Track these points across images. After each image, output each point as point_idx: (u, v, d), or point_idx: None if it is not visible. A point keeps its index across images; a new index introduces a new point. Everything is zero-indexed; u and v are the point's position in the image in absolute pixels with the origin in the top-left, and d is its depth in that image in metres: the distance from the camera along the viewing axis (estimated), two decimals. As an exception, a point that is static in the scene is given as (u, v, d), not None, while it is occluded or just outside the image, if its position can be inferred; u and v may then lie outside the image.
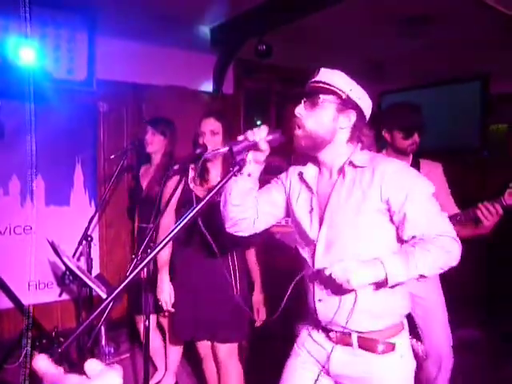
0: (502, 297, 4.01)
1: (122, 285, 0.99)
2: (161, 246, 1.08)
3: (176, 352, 2.91)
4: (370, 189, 1.36)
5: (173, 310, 2.42)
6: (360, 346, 1.42)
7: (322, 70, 1.43)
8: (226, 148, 1.39)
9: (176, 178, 2.37)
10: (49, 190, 3.46)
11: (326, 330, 1.48)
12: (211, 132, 2.31)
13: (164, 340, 2.96)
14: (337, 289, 1.35)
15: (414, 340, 1.55)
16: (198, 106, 3.95)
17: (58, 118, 3.21)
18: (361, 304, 1.37)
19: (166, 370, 2.97)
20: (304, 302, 1.56)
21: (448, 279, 2.51)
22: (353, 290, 1.33)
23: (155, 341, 2.89)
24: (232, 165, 1.28)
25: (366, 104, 1.45)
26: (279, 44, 3.70)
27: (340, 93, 1.38)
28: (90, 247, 2.88)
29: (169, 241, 1.10)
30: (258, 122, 4.96)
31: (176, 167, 2.31)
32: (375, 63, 4.58)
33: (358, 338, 1.42)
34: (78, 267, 2.27)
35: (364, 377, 1.43)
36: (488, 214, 2.09)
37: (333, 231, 1.42)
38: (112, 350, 3.47)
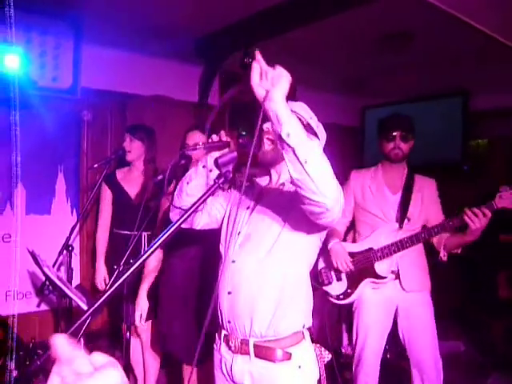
0: (480, 310, 4.08)
1: (104, 296, 0.98)
2: (142, 259, 1.08)
3: (154, 364, 2.87)
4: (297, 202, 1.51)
5: (141, 324, 2.46)
6: (256, 355, 1.49)
7: (289, 102, 1.61)
8: (212, 159, 1.51)
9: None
10: (30, 198, 3.41)
11: (227, 339, 1.57)
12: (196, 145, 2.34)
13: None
14: (246, 280, 1.49)
15: (323, 349, 1.58)
16: (182, 116, 3.96)
17: (41, 126, 3.18)
18: (263, 306, 1.47)
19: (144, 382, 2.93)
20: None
21: (432, 296, 2.56)
22: (259, 283, 1.46)
23: (136, 350, 2.85)
24: (217, 176, 1.29)
25: (322, 133, 1.67)
26: (264, 57, 3.73)
27: (302, 119, 1.59)
28: (70, 257, 2.84)
29: (150, 254, 1.11)
30: (243, 133, 4.97)
31: (160, 177, 2.31)
32: (357, 78, 4.65)
33: (255, 346, 1.49)
34: (59, 277, 2.24)
35: None
36: (475, 218, 2.13)
37: (254, 227, 1.56)
38: (91, 362, 3.40)
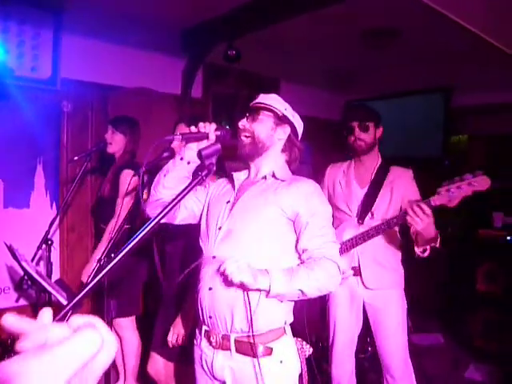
0: (459, 304, 4.15)
1: (84, 290, 0.95)
2: (122, 253, 1.06)
3: (134, 358, 2.84)
4: (282, 197, 1.54)
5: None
6: (237, 351, 1.49)
7: (262, 95, 1.69)
8: (190, 151, 1.53)
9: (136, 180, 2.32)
10: (8, 191, 3.32)
11: (208, 335, 1.55)
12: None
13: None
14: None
15: (304, 342, 1.58)
16: (165, 109, 3.91)
17: (19, 117, 3.10)
18: (243, 302, 1.46)
19: (125, 378, 2.90)
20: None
21: (412, 290, 2.57)
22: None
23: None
24: (200, 168, 1.27)
25: (298, 122, 1.69)
26: (248, 50, 3.71)
27: (276, 111, 1.62)
28: (49, 251, 2.78)
29: (131, 248, 1.08)
30: (226, 127, 4.94)
31: (142, 170, 2.26)
32: (343, 73, 4.66)
33: (236, 341, 1.49)
34: (37, 272, 2.19)
35: (243, 381, 1.49)
36: (415, 216, 1.99)
37: (235, 222, 1.55)
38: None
